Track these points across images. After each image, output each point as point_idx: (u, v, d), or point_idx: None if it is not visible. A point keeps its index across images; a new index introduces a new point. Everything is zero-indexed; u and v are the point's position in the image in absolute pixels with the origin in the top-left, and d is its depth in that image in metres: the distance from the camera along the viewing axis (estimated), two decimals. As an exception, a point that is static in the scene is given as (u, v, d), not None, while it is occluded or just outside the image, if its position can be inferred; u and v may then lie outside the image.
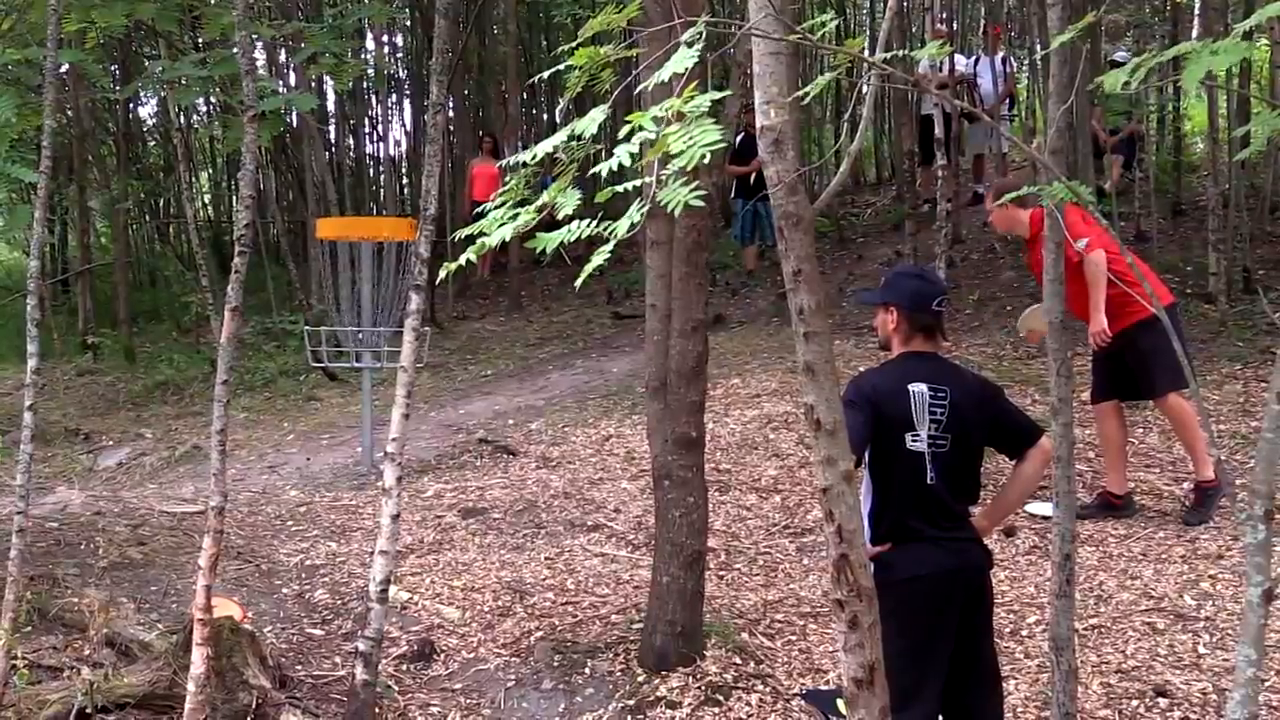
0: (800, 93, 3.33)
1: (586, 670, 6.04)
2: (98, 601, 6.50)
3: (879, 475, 4.49)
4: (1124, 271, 7.18)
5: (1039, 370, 10.20)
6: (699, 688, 5.66)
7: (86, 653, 6.12)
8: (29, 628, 6.15)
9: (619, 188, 2.94)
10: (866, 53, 3.13)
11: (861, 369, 10.09)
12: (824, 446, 3.23)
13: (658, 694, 5.67)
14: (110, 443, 13.21)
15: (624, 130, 2.73)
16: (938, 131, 12.83)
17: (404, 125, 25.06)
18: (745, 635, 6.21)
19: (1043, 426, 4.68)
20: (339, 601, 7.19)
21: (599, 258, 2.77)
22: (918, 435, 4.42)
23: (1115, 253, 7.28)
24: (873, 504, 4.49)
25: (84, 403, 16.08)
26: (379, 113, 23.18)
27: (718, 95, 2.76)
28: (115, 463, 12.23)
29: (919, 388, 4.46)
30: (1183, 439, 7.85)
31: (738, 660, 5.92)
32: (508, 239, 2.97)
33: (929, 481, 4.43)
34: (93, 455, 12.63)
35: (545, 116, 25.74)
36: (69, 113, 18.57)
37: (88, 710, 5.40)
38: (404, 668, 6.30)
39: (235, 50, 7.62)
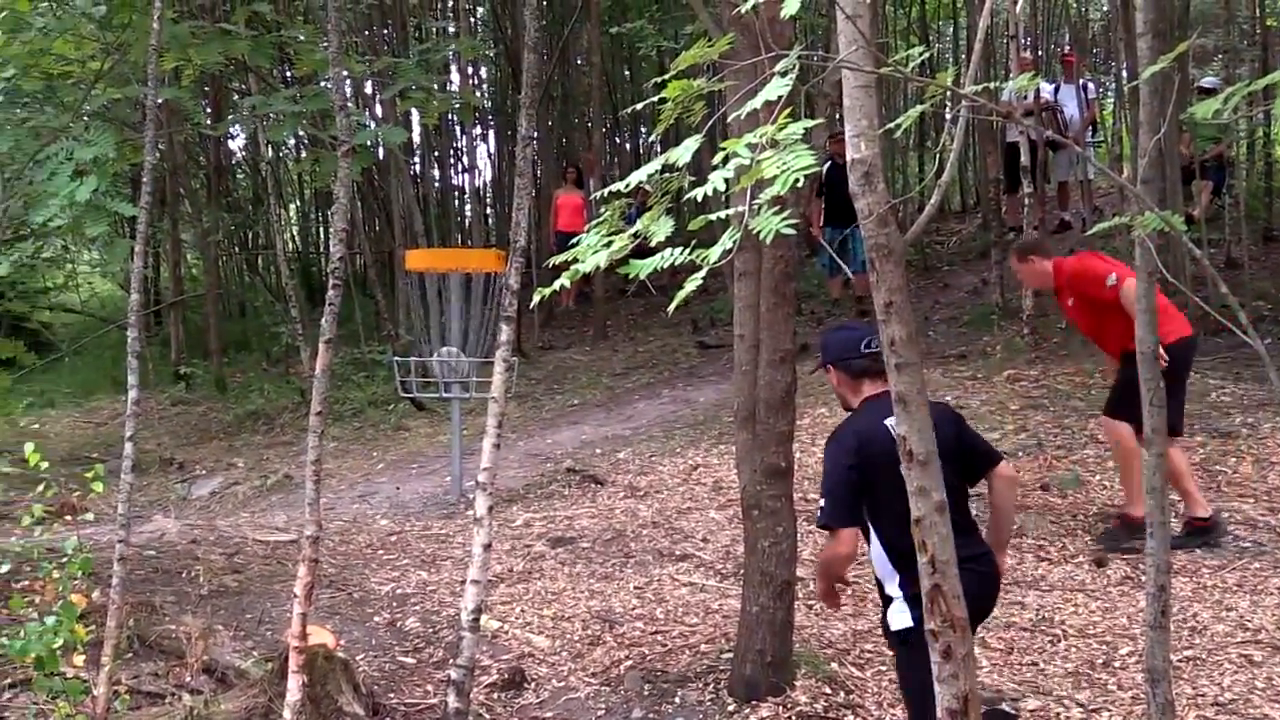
0: (891, 125, 3.35)
1: (676, 699, 6.06)
2: (196, 629, 6.60)
3: (889, 514, 4.49)
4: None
5: (1129, 399, 10.10)
6: (789, 717, 5.66)
7: (186, 679, 6.22)
8: (129, 654, 6.26)
9: (712, 216, 2.98)
10: (952, 84, 3.15)
11: (949, 397, 10.07)
12: (916, 477, 3.26)
13: (747, 723, 5.68)
14: (203, 472, 13.42)
15: (718, 157, 2.77)
16: (1023, 159, 12.79)
17: (489, 155, 25.27)
18: (835, 665, 6.19)
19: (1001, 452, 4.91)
20: (430, 630, 7.25)
21: (692, 284, 2.83)
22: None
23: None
24: (888, 551, 4.60)
25: (177, 432, 16.33)
26: (464, 144, 23.39)
27: (811, 123, 2.80)
28: (209, 491, 12.41)
29: (893, 421, 4.45)
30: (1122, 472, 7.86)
31: (828, 690, 5.91)
32: (602, 265, 3.02)
33: None
34: (187, 484, 12.83)
35: (629, 147, 25.87)
36: (161, 147, 18.90)
37: (187, 736, 5.49)
38: (495, 696, 6.34)
39: (326, 85, 7.75)
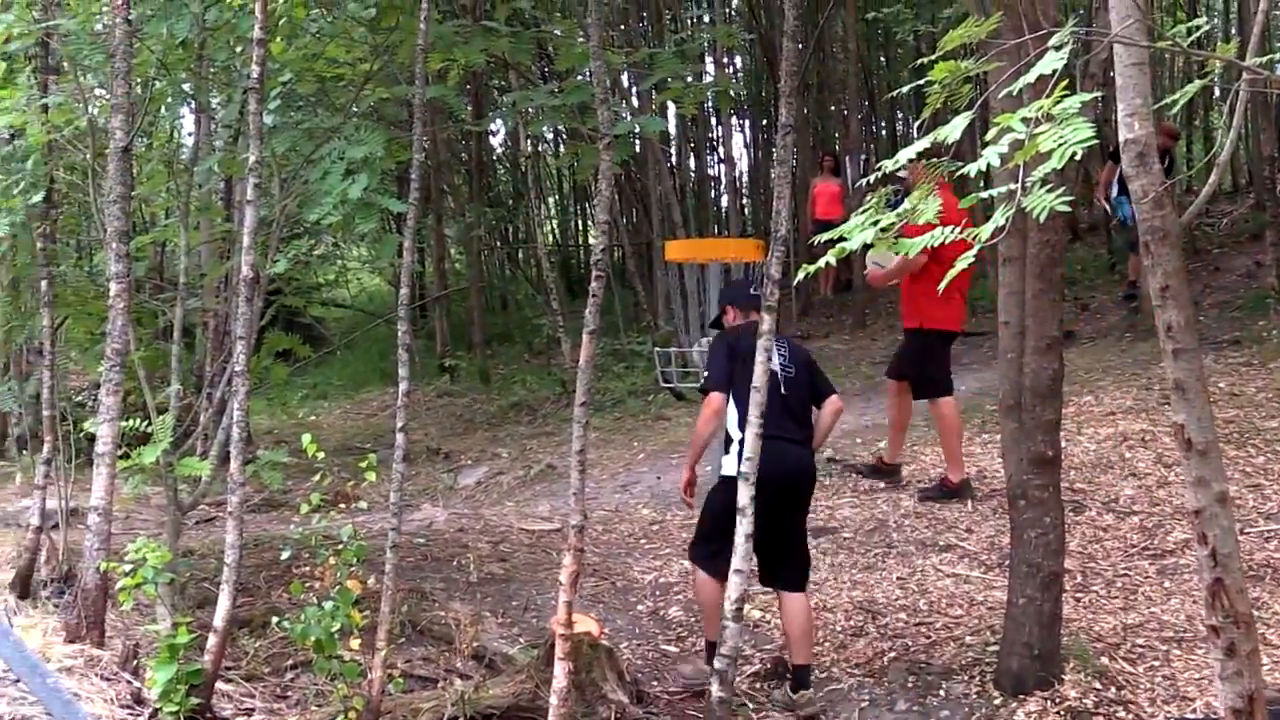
0: (1167, 101, 3.24)
1: (941, 692, 5.98)
2: (465, 615, 6.76)
3: (742, 393, 5.91)
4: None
5: None
6: (1058, 712, 5.53)
7: (456, 664, 6.38)
8: (402, 639, 6.44)
9: (984, 194, 2.94)
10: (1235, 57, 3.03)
11: (1223, 385, 9.74)
12: (1196, 467, 3.14)
13: (1014, 718, 5.57)
14: (469, 462, 13.71)
15: (991, 133, 2.73)
16: (1302, 135, 12.26)
17: (745, 145, 25.26)
18: (1105, 660, 6.02)
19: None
20: (693, 619, 7.29)
21: (963, 262, 2.86)
22: (772, 360, 5.77)
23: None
24: (739, 420, 6.00)
25: (443, 423, 16.74)
26: (719, 133, 23.40)
27: (1088, 96, 2.73)
28: (474, 481, 12.68)
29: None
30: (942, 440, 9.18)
31: (1098, 685, 5.75)
32: (871, 242, 3.02)
33: (784, 392, 6.14)
34: (453, 474, 13.12)
35: (885, 133, 25.58)
36: (426, 145, 19.37)
37: (457, 719, 5.62)
38: (758, 686, 6.36)
39: (586, 79, 7.83)
